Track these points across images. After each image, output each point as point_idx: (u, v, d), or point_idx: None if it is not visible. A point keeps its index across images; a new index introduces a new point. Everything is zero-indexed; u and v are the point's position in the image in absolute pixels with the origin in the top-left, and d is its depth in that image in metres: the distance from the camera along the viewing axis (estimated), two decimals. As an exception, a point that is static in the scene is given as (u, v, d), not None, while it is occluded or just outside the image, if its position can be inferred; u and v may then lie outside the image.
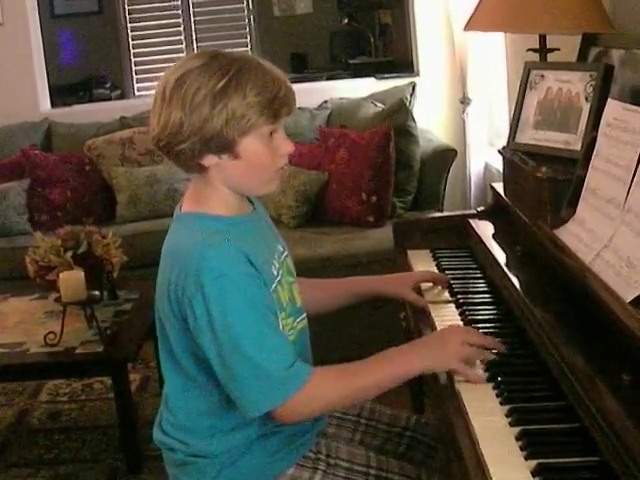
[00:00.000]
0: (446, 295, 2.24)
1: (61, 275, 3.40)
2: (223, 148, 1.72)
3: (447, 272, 2.38)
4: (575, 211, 1.95)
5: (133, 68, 8.05)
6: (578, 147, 2.18)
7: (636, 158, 1.71)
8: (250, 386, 1.67)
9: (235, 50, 1.83)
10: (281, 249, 1.92)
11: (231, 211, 1.81)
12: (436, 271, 2.42)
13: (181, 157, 1.73)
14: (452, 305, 2.18)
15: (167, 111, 1.70)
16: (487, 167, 4.75)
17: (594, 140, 1.94)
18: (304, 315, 1.93)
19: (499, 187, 2.60)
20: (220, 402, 1.79)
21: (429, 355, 1.79)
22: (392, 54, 7.50)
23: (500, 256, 2.27)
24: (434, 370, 1.81)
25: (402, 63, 6.37)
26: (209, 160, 1.73)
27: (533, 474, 1.40)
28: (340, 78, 6.95)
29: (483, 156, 4.79)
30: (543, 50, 2.68)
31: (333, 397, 1.76)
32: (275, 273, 1.82)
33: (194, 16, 7.93)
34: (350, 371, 1.77)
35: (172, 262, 1.73)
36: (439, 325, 2.07)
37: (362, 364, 1.78)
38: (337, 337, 3.28)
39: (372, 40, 7.86)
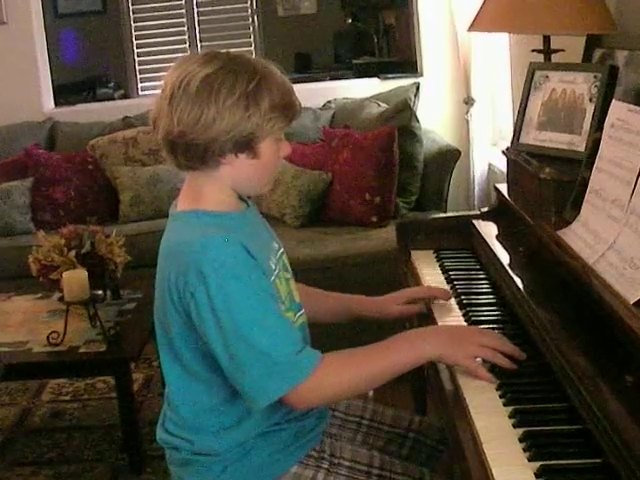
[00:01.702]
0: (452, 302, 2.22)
1: (64, 274, 3.40)
2: (246, 147, 1.74)
3: (450, 272, 2.38)
4: (579, 212, 1.95)
5: (137, 67, 8.05)
6: (582, 148, 2.18)
7: (640, 159, 1.71)
8: (259, 374, 1.67)
9: (235, 50, 1.84)
10: (276, 246, 1.93)
11: (226, 208, 1.82)
12: (439, 272, 2.42)
13: (204, 154, 1.73)
14: (455, 306, 2.18)
15: (194, 108, 1.70)
16: (491, 168, 4.75)
17: (598, 141, 1.94)
18: (303, 311, 1.93)
19: (503, 188, 2.60)
20: (223, 398, 1.79)
21: (442, 345, 1.78)
22: (396, 54, 7.51)
23: (503, 257, 2.27)
24: (441, 361, 1.80)
25: (406, 63, 6.37)
26: (228, 158, 1.75)
27: (536, 475, 1.40)
28: (344, 78, 6.95)
29: (487, 157, 4.79)
30: (547, 51, 2.68)
31: (344, 382, 1.76)
32: (273, 267, 1.83)
33: (198, 16, 7.93)
34: (360, 356, 1.77)
35: (172, 258, 1.74)
36: (441, 324, 2.07)
37: (373, 349, 1.78)
38: (338, 335, 3.28)
39: (376, 40, 7.87)
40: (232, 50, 1.83)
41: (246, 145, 1.74)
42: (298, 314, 1.90)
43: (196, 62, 1.74)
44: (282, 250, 1.95)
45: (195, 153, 1.74)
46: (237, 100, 1.69)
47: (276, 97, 1.73)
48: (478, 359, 1.76)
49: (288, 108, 1.76)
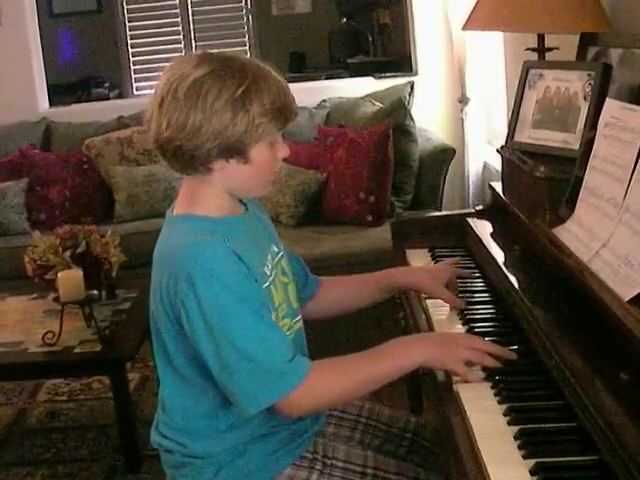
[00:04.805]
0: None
1: (59, 274, 3.40)
2: (235, 153, 1.72)
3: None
4: (573, 210, 1.95)
5: (132, 67, 8.05)
6: (576, 146, 2.18)
7: (634, 157, 1.71)
8: (249, 382, 1.67)
9: (229, 50, 1.82)
10: (276, 250, 1.92)
11: (222, 212, 1.81)
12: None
13: (192, 160, 1.72)
14: (451, 304, 2.18)
15: (182, 113, 1.68)
16: (485, 166, 4.75)
17: (592, 139, 1.94)
18: (299, 317, 1.93)
19: (498, 186, 2.60)
20: (216, 403, 1.79)
21: (429, 350, 1.77)
22: (390, 53, 7.50)
23: (498, 255, 2.27)
24: (429, 366, 1.80)
25: (400, 62, 6.37)
26: (218, 164, 1.73)
27: (531, 473, 1.40)
28: (339, 77, 6.96)
29: (481, 155, 4.79)
30: (542, 49, 2.68)
31: (334, 390, 1.76)
32: (268, 273, 1.81)
33: (193, 15, 7.94)
34: (350, 364, 1.77)
35: (163, 265, 1.74)
36: (437, 324, 2.08)
37: (362, 356, 1.77)
38: (333, 337, 3.28)
39: (370, 39, 7.86)
40: (227, 50, 1.82)
41: (235, 151, 1.71)
42: (294, 320, 1.90)
43: (187, 65, 1.72)
44: (282, 253, 1.94)
45: (184, 159, 1.73)
46: (224, 105, 1.67)
47: (266, 102, 1.70)
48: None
49: (280, 112, 1.73)
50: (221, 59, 1.74)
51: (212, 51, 1.79)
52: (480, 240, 2.43)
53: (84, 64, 8.47)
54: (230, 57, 1.76)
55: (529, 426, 1.54)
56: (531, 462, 1.42)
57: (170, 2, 7.93)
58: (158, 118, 1.72)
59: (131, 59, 8.03)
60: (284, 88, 1.75)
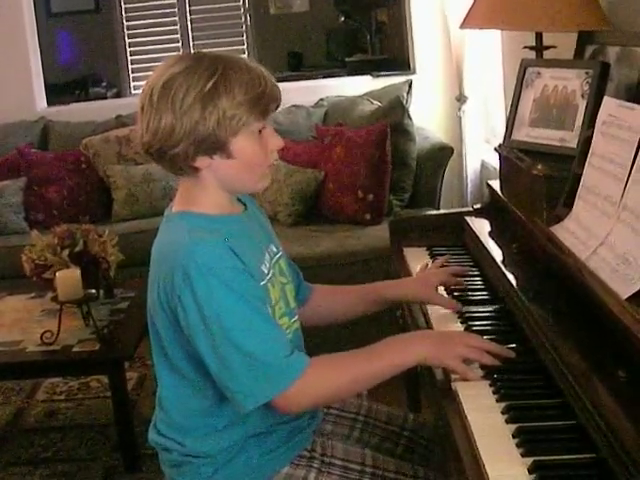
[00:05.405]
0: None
1: (57, 274, 3.40)
2: (215, 149, 1.72)
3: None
4: (571, 208, 1.95)
5: (129, 66, 8.04)
6: (574, 144, 2.18)
7: (632, 155, 1.71)
8: (246, 378, 1.67)
9: (216, 50, 1.82)
10: (275, 250, 1.92)
11: (220, 210, 1.81)
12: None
13: (174, 161, 1.73)
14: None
15: (156, 116, 1.70)
16: (483, 165, 4.75)
17: (590, 137, 1.94)
18: (297, 317, 1.93)
19: (495, 184, 2.60)
20: (214, 401, 1.78)
21: (427, 347, 1.77)
22: (388, 52, 7.51)
23: (496, 253, 2.27)
24: (428, 364, 1.80)
25: (398, 61, 6.37)
26: (202, 162, 1.73)
27: (529, 471, 1.40)
28: (336, 76, 6.95)
29: (479, 154, 4.79)
30: (539, 48, 2.68)
31: (332, 386, 1.76)
32: (265, 271, 1.81)
33: (190, 14, 7.93)
34: (349, 360, 1.77)
35: (160, 262, 1.73)
36: (435, 322, 2.08)
37: (361, 353, 1.77)
38: (331, 334, 3.28)
39: (368, 38, 7.87)
40: (219, 50, 1.82)
41: (214, 146, 1.71)
42: (292, 319, 1.90)
43: (164, 67, 1.73)
44: (280, 254, 1.94)
45: (167, 161, 1.74)
46: (193, 102, 1.67)
47: (238, 93, 1.68)
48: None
49: (256, 102, 1.71)
50: (194, 57, 1.74)
51: (192, 51, 1.79)
52: (478, 238, 2.43)
53: (82, 63, 8.48)
54: (201, 55, 1.75)
55: (527, 424, 1.54)
56: (529, 460, 1.42)
57: (168, 1, 7.93)
58: (140, 124, 1.74)
59: (129, 58, 8.02)
60: (260, 77, 1.73)
